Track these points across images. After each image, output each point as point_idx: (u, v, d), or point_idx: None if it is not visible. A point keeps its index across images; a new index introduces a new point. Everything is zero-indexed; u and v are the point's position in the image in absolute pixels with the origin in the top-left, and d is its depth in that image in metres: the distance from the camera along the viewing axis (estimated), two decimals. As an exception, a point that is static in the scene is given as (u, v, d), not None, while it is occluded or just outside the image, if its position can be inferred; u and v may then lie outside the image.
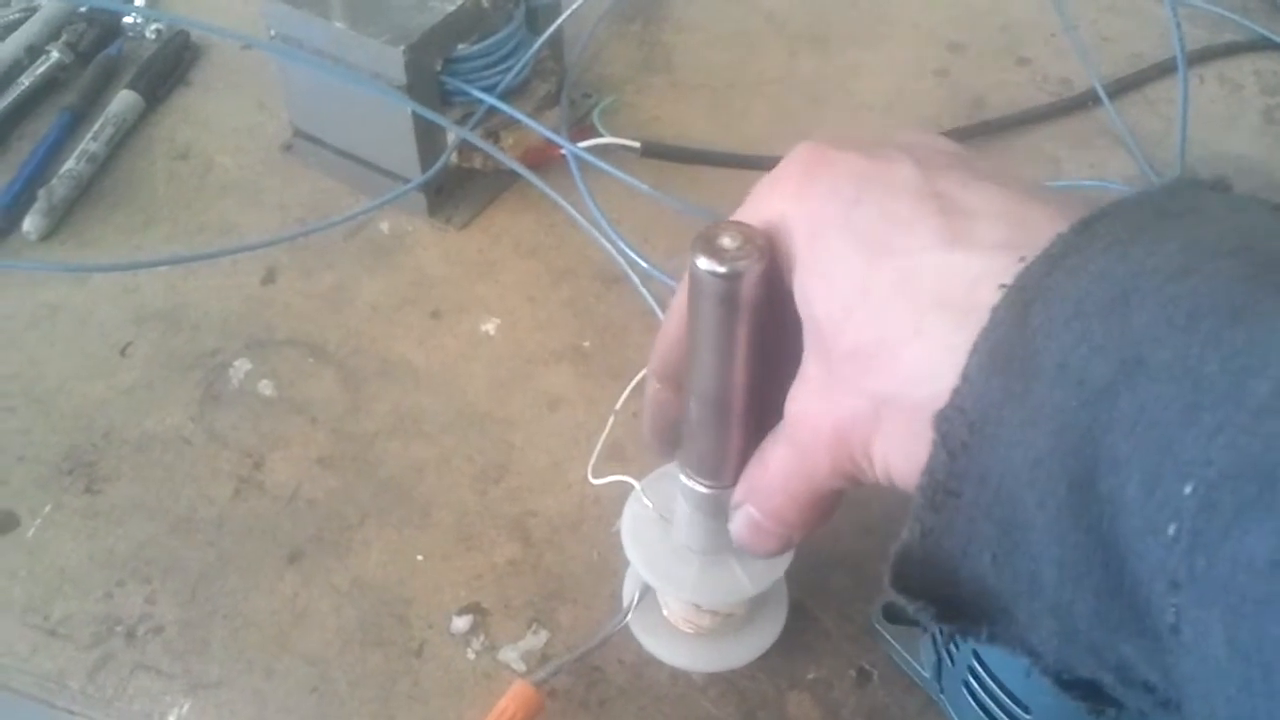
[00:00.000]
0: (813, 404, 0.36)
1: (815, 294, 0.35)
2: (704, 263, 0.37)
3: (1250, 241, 0.27)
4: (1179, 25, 0.78)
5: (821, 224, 0.35)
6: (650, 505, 0.51)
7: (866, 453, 0.34)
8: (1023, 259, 0.30)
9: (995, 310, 0.29)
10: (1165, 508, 0.25)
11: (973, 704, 0.49)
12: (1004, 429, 0.28)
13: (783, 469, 0.39)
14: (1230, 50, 0.91)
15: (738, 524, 0.42)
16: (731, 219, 0.38)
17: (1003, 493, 0.29)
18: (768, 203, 0.38)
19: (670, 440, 0.47)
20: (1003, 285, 0.30)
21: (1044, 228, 0.31)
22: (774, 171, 0.39)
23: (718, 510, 0.45)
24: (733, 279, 0.37)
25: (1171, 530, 0.25)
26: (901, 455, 0.33)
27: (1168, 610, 0.25)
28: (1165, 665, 0.27)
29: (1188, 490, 0.24)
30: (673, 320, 0.43)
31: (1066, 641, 0.30)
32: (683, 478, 0.46)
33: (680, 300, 0.41)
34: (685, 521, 0.48)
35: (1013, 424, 0.28)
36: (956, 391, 0.30)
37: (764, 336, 0.39)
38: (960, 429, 0.29)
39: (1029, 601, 0.30)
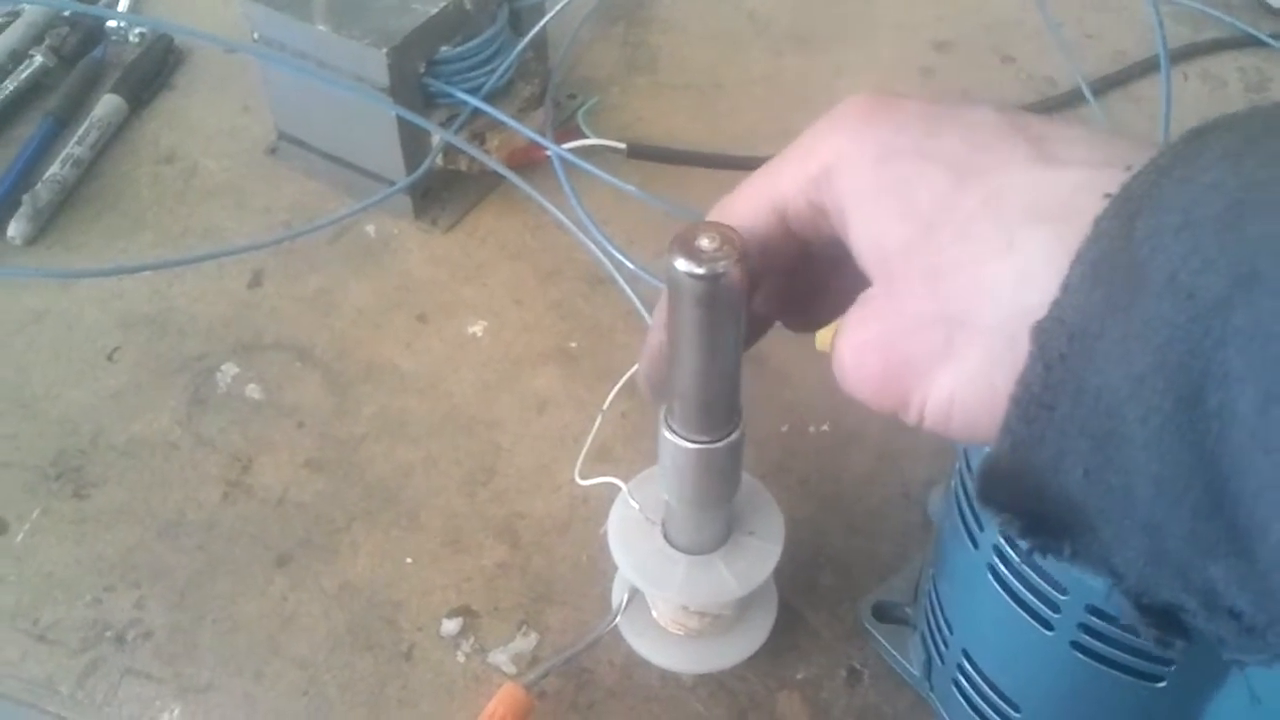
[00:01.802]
0: (870, 332, 0.34)
1: (885, 217, 0.33)
2: (682, 264, 0.37)
3: None
4: (1162, 23, 0.78)
5: (893, 151, 0.34)
6: (637, 507, 0.51)
7: (924, 387, 0.33)
8: (1129, 168, 0.29)
9: (1099, 221, 0.28)
10: (1279, 424, 0.24)
11: (962, 702, 0.49)
12: (1104, 341, 0.28)
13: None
14: (1213, 47, 0.91)
15: None
16: (774, 163, 0.37)
17: (1100, 406, 0.28)
18: (823, 141, 0.36)
19: (662, 387, 0.45)
20: (1107, 195, 0.29)
21: (1138, 148, 0.30)
22: (827, 116, 0.37)
23: (707, 465, 0.45)
24: (711, 280, 0.37)
25: None
26: (972, 385, 0.31)
27: (1274, 528, 0.25)
28: (1259, 589, 0.26)
29: None
30: (657, 332, 0.43)
31: (1153, 562, 0.29)
32: (666, 433, 0.45)
33: (661, 314, 0.41)
34: (673, 492, 0.47)
35: (1114, 336, 0.27)
36: (1057, 302, 0.28)
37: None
38: (1059, 340, 0.28)
39: (1119, 519, 0.29)
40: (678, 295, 0.38)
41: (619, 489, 0.52)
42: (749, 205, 0.38)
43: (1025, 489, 0.31)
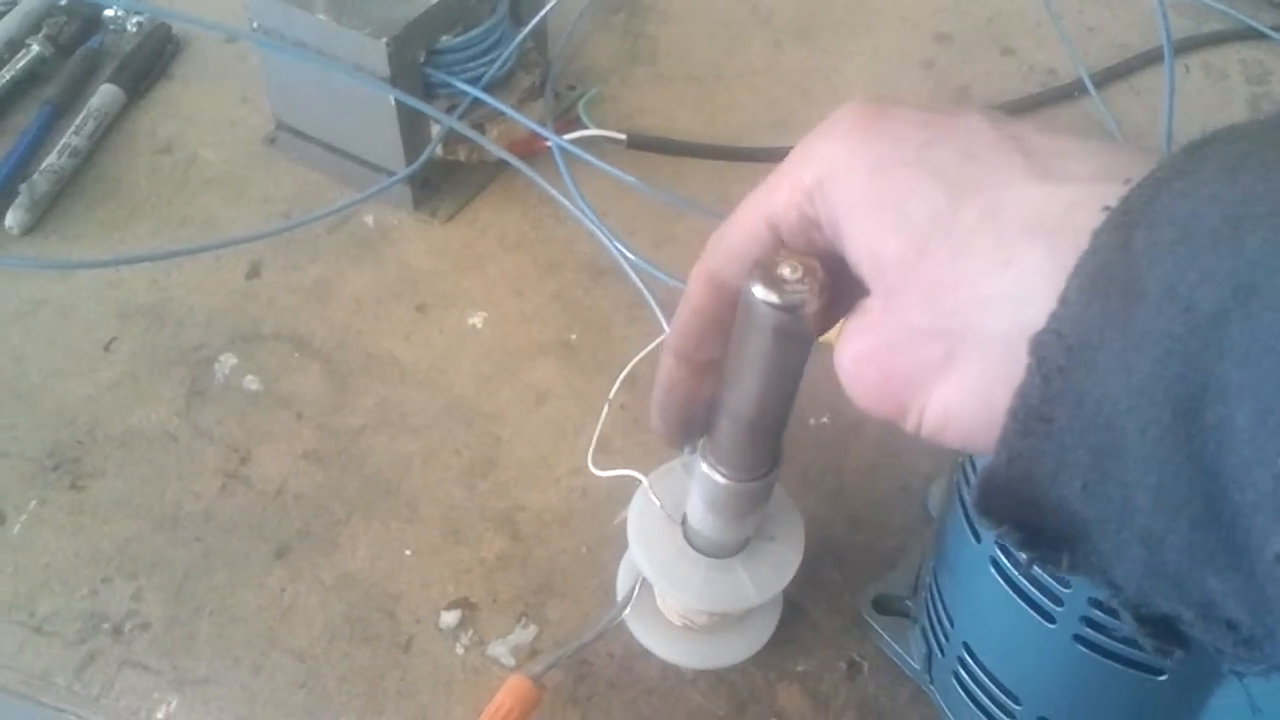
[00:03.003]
0: (868, 344, 0.34)
1: (882, 230, 0.33)
2: (760, 292, 0.35)
3: None
4: (1165, 15, 0.78)
5: (888, 163, 0.34)
6: (659, 504, 0.50)
7: (922, 400, 0.33)
8: (1128, 181, 0.29)
9: (1097, 234, 0.28)
10: (1276, 437, 0.24)
11: (963, 695, 0.49)
12: (1104, 354, 0.28)
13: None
14: (1215, 39, 0.91)
15: None
16: (769, 179, 0.37)
17: (1099, 419, 0.28)
18: (819, 150, 0.36)
19: (679, 426, 0.45)
20: (1106, 208, 0.29)
21: (1137, 160, 0.30)
22: (823, 125, 0.36)
23: (734, 500, 0.45)
24: (790, 311, 0.35)
25: None
26: (969, 397, 0.32)
27: (1273, 541, 0.25)
28: (1256, 601, 0.26)
29: None
30: (695, 290, 0.41)
31: (1151, 574, 0.29)
32: (704, 466, 0.45)
33: (704, 268, 0.40)
34: (699, 518, 0.47)
35: (1114, 349, 0.27)
36: (1054, 315, 0.29)
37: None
38: (1057, 353, 0.28)
39: (1117, 530, 0.29)
40: (750, 323, 0.37)
41: (636, 482, 0.51)
42: (745, 223, 0.38)
43: (1023, 501, 0.31)
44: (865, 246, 0.34)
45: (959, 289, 0.31)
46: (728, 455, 0.44)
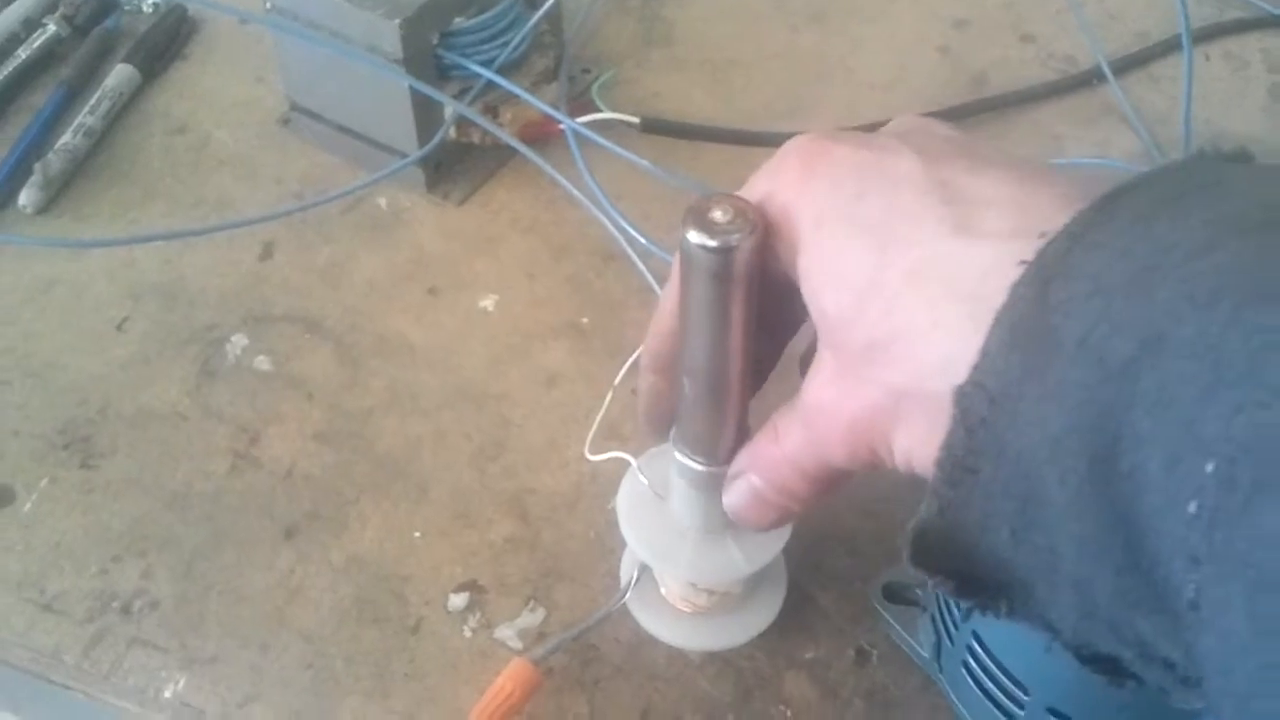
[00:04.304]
0: (828, 394, 0.36)
1: (824, 288, 0.35)
2: (695, 236, 0.36)
3: (1274, 216, 0.27)
4: (1184, 2, 0.77)
5: (825, 217, 0.35)
6: (646, 483, 0.50)
7: (887, 444, 0.34)
8: (1043, 235, 0.30)
9: (1015, 287, 0.29)
10: (1186, 485, 0.25)
11: (972, 684, 0.49)
12: (1023, 405, 0.28)
13: (796, 446, 0.39)
14: (1237, 27, 0.90)
15: (737, 493, 0.42)
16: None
17: (1021, 469, 0.29)
18: (766, 192, 0.38)
19: (665, 426, 0.47)
20: (1023, 262, 0.30)
21: (1056, 209, 0.31)
22: (769, 164, 0.38)
23: (712, 487, 0.45)
24: (725, 252, 0.36)
25: (1192, 507, 0.25)
26: (923, 445, 0.32)
27: (1188, 586, 0.25)
28: (1184, 642, 0.27)
29: (1209, 468, 0.24)
30: (665, 312, 0.43)
31: (1085, 617, 0.30)
32: (678, 455, 0.46)
33: (672, 290, 0.41)
34: (681, 498, 0.48)
35: (1032, 400, 0.28)
36: (976, 367, 0.29)
37: (759, 308, 0.39)
38: (980, 405, 0.29)
39: (1048, 576, 0.30)
40: (690, 269, 0.38)
41: (629, 464, 0.52)
42: None
43: (957, 550, 0.32)
44: (813, 301, 0.36)
45: (894, 347, 0.33)
46: (696, 438, 0.44)
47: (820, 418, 0.37)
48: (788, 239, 0.37)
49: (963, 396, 0.30)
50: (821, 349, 0.37)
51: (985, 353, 0.29)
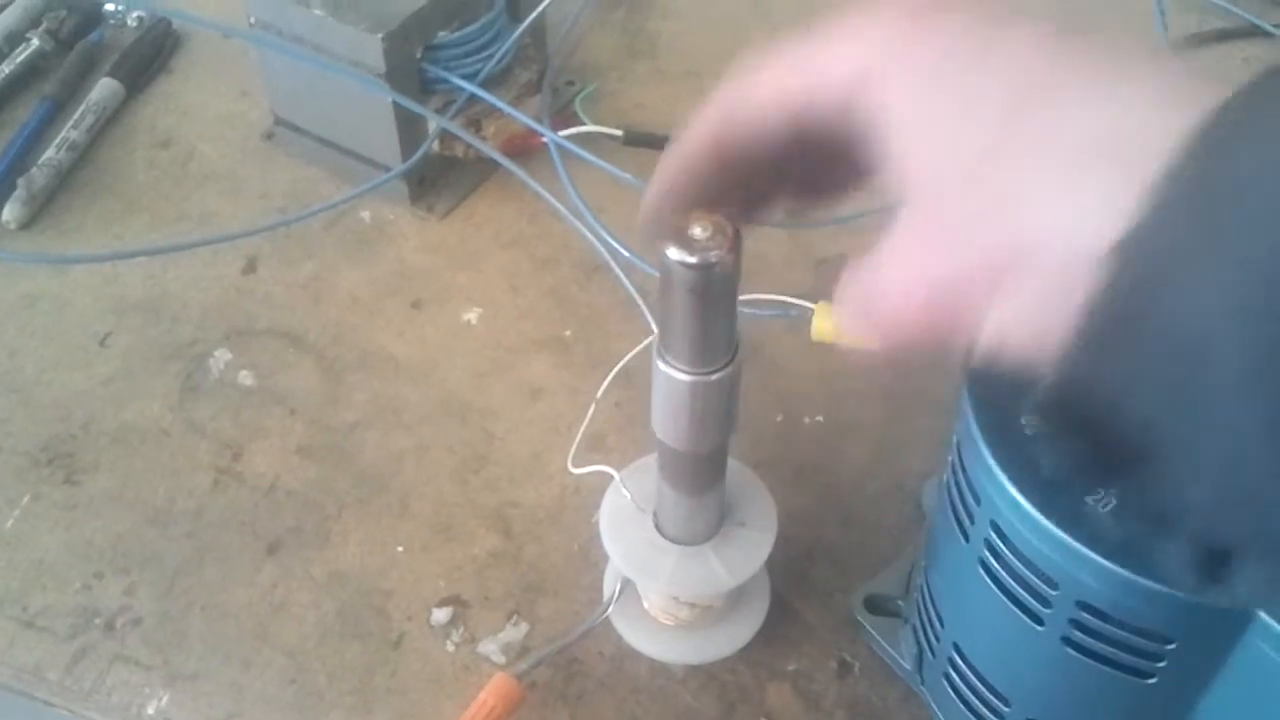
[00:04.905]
0: (914, 263, 0.32)
1: (938, 142, 0.32)
2: (675, 253, 0.37)
3: None
4: (1163, 13, 0.78)
5: (946, 68, 0.32)
6: (629, 496, 0.51)
7: (971, 320, 0.31)
8: (1203, 103, 0.28)
9: (1174, 155, 0.27)
10: None
11: (953, 696, 0.49)
12: (1195, 269, 0.26)
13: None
14: (1219, 38, 0.90)
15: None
16: (793, 57, 0.35)
17: (1188, 338, 0.27)
18: (857, 42, 0.34)
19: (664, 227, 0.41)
20: (1181, 130, 0.27)
21: (1212, 81, 0.28)
22: (860, 11, 0.34)
23: (698, 400, 0.43)
24: (704, 269, 0.37)
25: None
26: (1028, 320, 0.30)
27: None
28: None
29: None
30: (693, 141, 0.40)
31: (1231, 498, 0.28)
32: (661, 364, 0.43)
33: (711, 120, 0.39)
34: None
35: (1208, 266, 0.26)
36: (1139, 226, 0.27)
37: (797, 175, 0.37)
38: (1137, 266, 0.27)
39: (1199, 453, 0.28)
40: (670, 282, 0.38)
41: (611, 478, 0.52)
42: (775, 83, 0.36)
43: (1088, 420, 0.30)
44: (917, 156, 0.32)
45: (1020, 207, 0.30)
46: (684, 348, 0.42)
47: (901, 288, 0.32)
48: (884, 98, 0.33)
49: (1117, 257, 0.27)
50: (907, 215, 0.33)
51: (1150, 211, 0.27)
